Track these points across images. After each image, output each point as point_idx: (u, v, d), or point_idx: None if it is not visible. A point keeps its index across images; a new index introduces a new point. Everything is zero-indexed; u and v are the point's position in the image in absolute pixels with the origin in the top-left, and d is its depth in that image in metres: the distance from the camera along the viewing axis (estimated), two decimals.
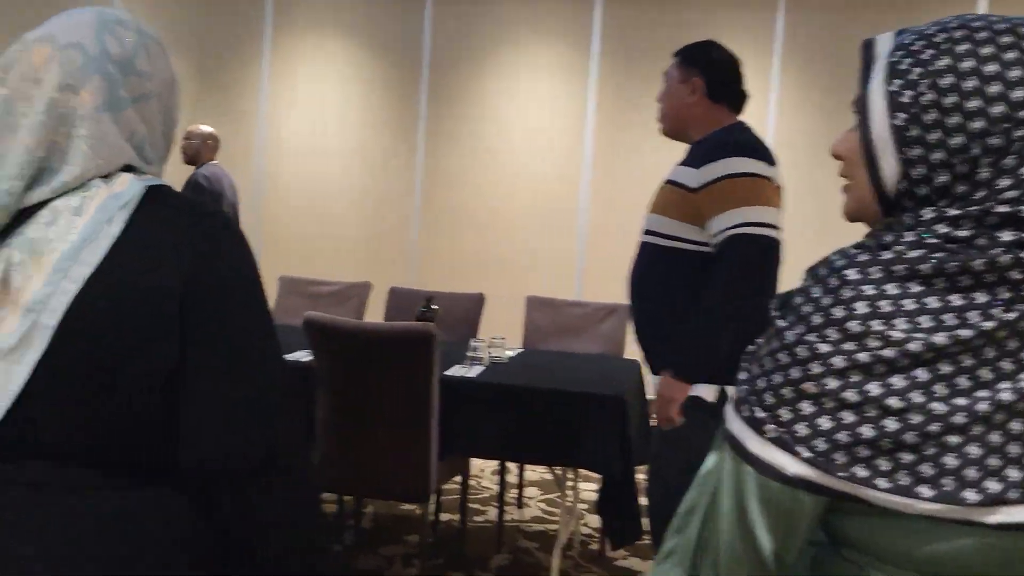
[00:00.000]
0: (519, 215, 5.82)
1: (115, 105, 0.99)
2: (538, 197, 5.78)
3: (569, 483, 3.12)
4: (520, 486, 3.60)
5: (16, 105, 0.94)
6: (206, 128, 4.84)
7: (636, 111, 5.65)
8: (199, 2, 6.06)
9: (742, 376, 0.76)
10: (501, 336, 3.18)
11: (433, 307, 3.18)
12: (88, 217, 0.94)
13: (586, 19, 5.69)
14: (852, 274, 0.71)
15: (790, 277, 4.89)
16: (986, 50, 0.71)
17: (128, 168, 1.01)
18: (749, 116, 2.29)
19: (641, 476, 3.05)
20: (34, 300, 0.90)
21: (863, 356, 0.68)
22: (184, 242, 0.96)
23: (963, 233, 0.70)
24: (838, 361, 0.69)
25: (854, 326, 0.69)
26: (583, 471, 3.23)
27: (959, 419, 0.66)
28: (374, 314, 3.95)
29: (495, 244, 5.85)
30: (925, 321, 0.68)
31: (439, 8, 5.85)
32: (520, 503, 3.58)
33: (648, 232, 2.16)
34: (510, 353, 3.31)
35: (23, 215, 0.93)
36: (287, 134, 6.05)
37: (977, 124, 0.70)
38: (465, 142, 5.86)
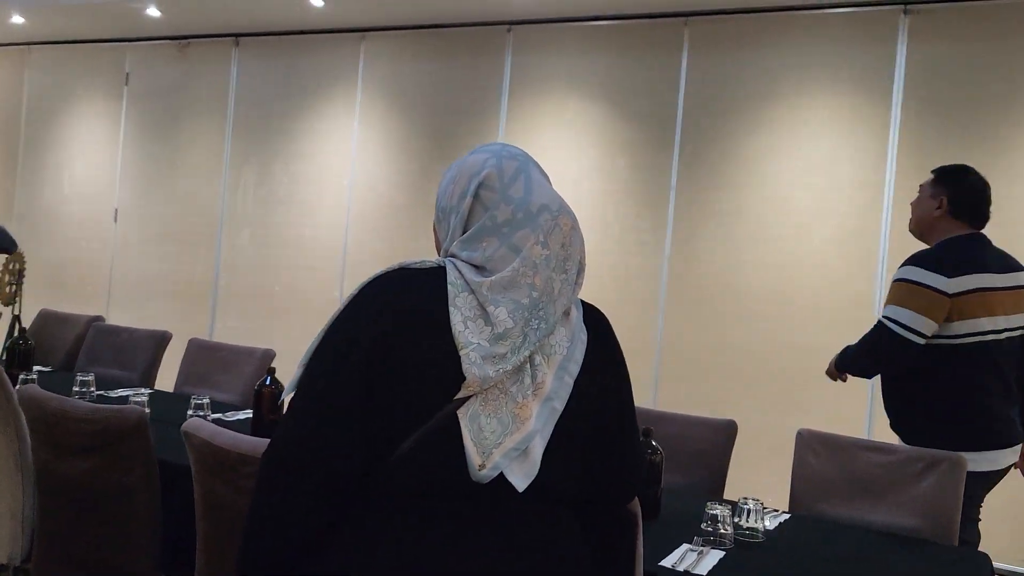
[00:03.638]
0: (792, 309, 4.63)
1: None
2: (819, 285, 4.57)
3: None
4: None
5: (556, 263, 1.28)
6: None
7: None
8: (434, 73, 5.63)
9: None
10: (755, 498, 2.09)
11: (655, 450, 2.18)
12: (569, 330, 1.29)
13: (884, 60, 4.48)
14: None
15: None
16: None
17: None
18: None
19: None
20: (550, 391, 1.24)
21: None
22: (610, 346, 1.37)
23: None
24: None
25: None
26: None
27: None
28: None
29: (758, 347, 4.69)
30: None
31: (695, 58, 4.93)
32: None
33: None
34: (770, 523, 2.21)
35: None
36: None
37: None
38: (726, 215, 4.82)
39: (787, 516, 2.30)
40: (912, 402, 2.58)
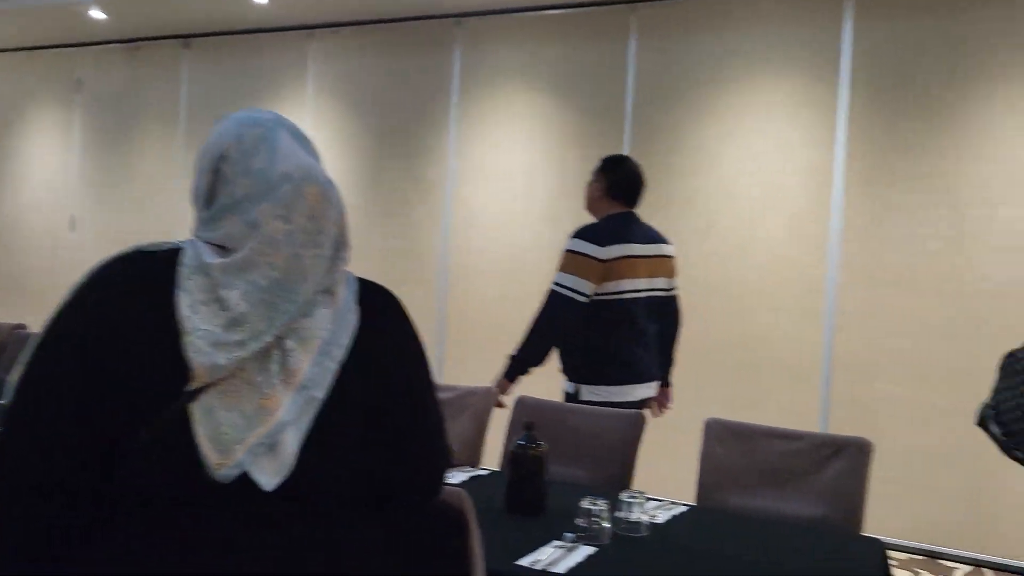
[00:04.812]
0: (744, 299, 4.52)
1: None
2: (771, 273, 4.46)
3: None
4: None
5: (304, 237, 1.14)
6: None
7: (898, 155, 4.19)
8: (384, 69, 5.55)
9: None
10: (639, 491, 1.99)
11: (537, 444, 2.08)
12: (333, 311, 1.16)
13: (831, 41, 4.37)
14: None
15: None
16: None
17: None
18: None
19: None
20: (307, 378, 1.11)
21: None
22: (392, 327, 1.24)
23: None
24: None
25: None
26: None
27: None
28: (493, 432, 2.90)
29: (711, 340, 4.58)
30: None
31: (643, 46, 4.83)
32: None
33: None
34: (663, 516, 2.11)
35: None
36: (475, 202, 5.28)
37: None
38: (676, 205, 4.72)
39: (683, 509, 2.19)
40: (572, 345, 3.03)
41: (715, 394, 4.53)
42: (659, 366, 3.22)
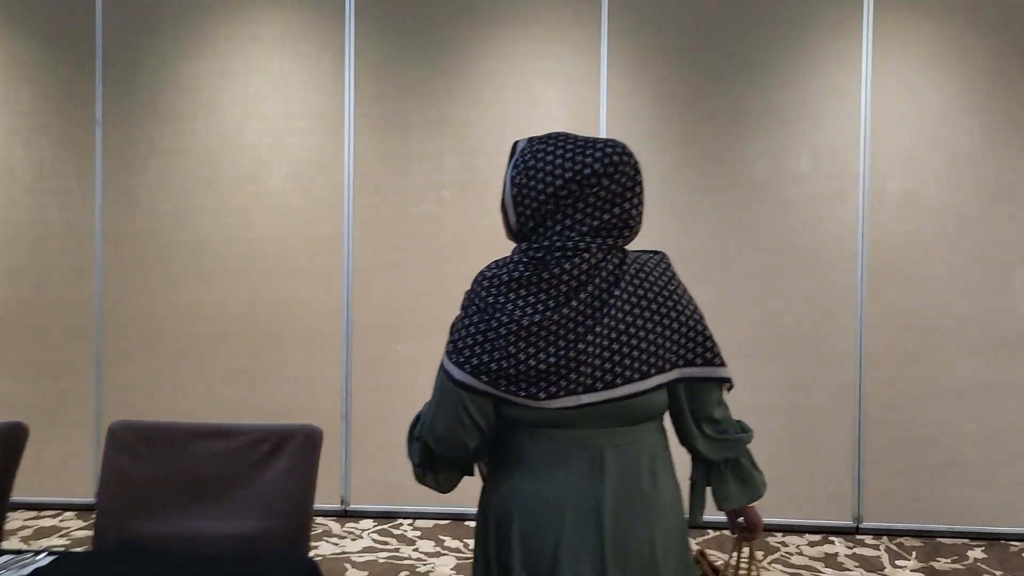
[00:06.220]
0: (259, 260, 3.94)
1: None
2: (285, 230, 3.94)
3: None
4: None
5: None
6: None
7: (409, 102, 3.91)
8: None
9: (451, 334, 1.39)
10: None
11: None
12: None
13: None
14: (489, 281, 1.37)
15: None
16: (547, 156, 1.37)
17: None
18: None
19: None
20: None
21: (492, 330, 1.33)
22: None
23: (539, 255, 1.35)
24: (482, 332, 1.34)
25: (489, 312, 1.35)
26: None
27: (541, 366, 1.31)
28: None
29: (223, 308, 3.95)
30: (522, 308, 1.33)
31: None
32: None
33: None
34: None
35: None
36: None
37: (540, 197, 1.36)
38: (169, 154, 3.96)
39: (50, 559, 1.54)
40: None
41: (230, 369, 3.92)
42: None
